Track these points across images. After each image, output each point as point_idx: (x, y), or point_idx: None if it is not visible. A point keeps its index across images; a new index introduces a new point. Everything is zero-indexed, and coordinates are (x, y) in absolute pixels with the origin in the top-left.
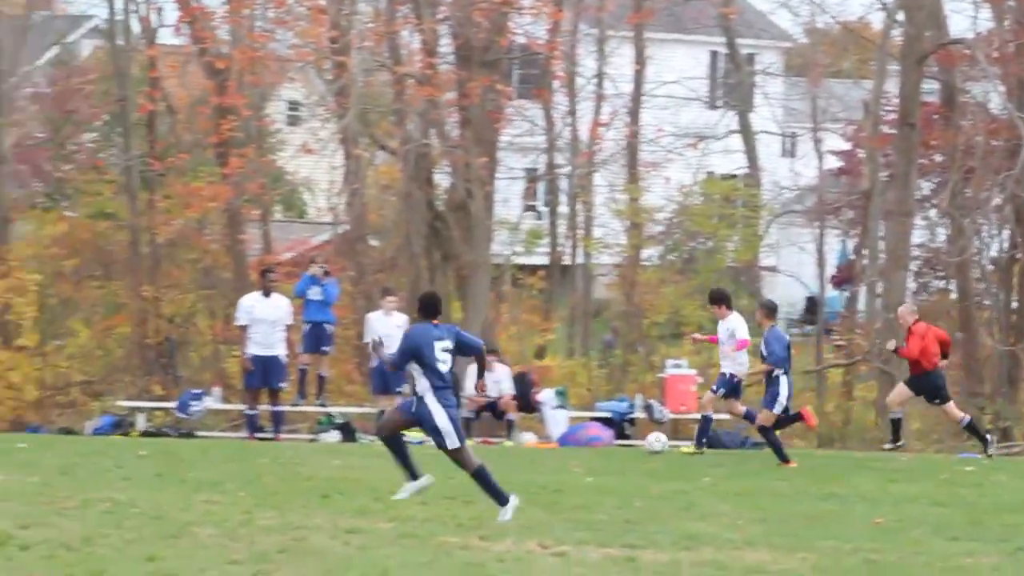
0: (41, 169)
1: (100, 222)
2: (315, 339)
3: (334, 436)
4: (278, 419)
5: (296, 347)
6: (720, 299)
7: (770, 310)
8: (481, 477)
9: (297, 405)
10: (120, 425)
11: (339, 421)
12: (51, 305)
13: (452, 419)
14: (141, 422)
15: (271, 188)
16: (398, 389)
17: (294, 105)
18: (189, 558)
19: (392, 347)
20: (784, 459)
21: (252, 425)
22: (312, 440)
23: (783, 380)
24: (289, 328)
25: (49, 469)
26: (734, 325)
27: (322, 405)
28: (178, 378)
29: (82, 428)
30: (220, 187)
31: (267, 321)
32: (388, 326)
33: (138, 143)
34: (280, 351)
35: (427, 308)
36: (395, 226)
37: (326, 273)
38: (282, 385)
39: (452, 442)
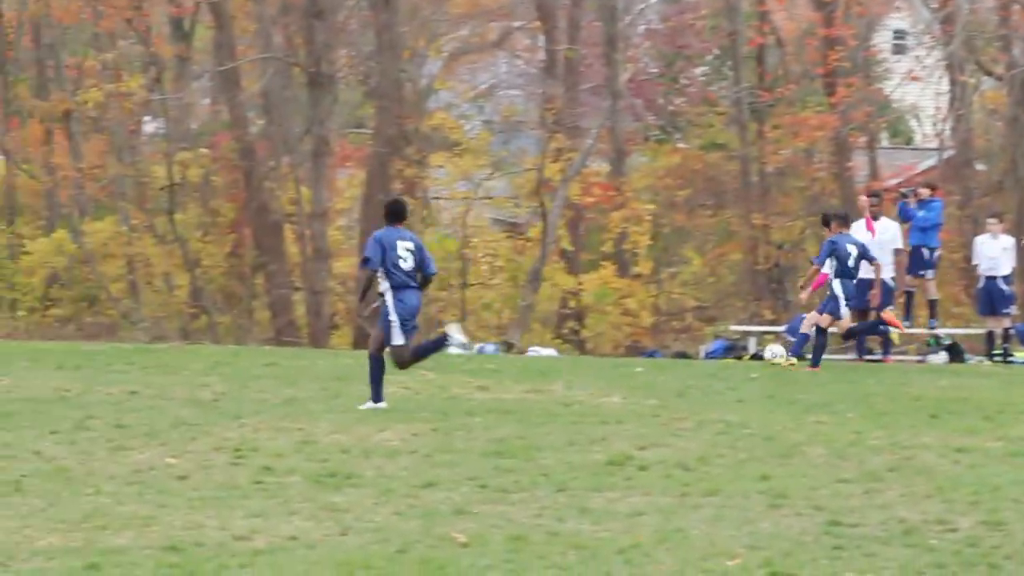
0: (655, 103)
1: (711, 153)
2: (912, 262)
3: (941, 357)
4: (887, 341)
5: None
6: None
7: (840, 219)
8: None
9: (906, 328)
10: (732, 349)
11: (947, 342)
12: (665, 234)
13: (403, 315)
14: (752, 346)
15: (877, 116)
16: (1005, 311)
17: (900, 34)
18: (800, 477)
19: (998, 269)
20: (815, 363)
21: (860, 347)
22: (919, 361)
23: (836, 284)
24: (898, 252)
25: (665, 392)
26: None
27: (931, 327)
28: (788, 303)
29: (696, 352)
30: (827, 116)
31: (874, 244)
32: (994, 249)
33: (747, 75)
34: (887, 275)
35: (392, 213)
36: (1001, 150)
37: (904, 196)
38: (890, 308)
39: (396, 338)
